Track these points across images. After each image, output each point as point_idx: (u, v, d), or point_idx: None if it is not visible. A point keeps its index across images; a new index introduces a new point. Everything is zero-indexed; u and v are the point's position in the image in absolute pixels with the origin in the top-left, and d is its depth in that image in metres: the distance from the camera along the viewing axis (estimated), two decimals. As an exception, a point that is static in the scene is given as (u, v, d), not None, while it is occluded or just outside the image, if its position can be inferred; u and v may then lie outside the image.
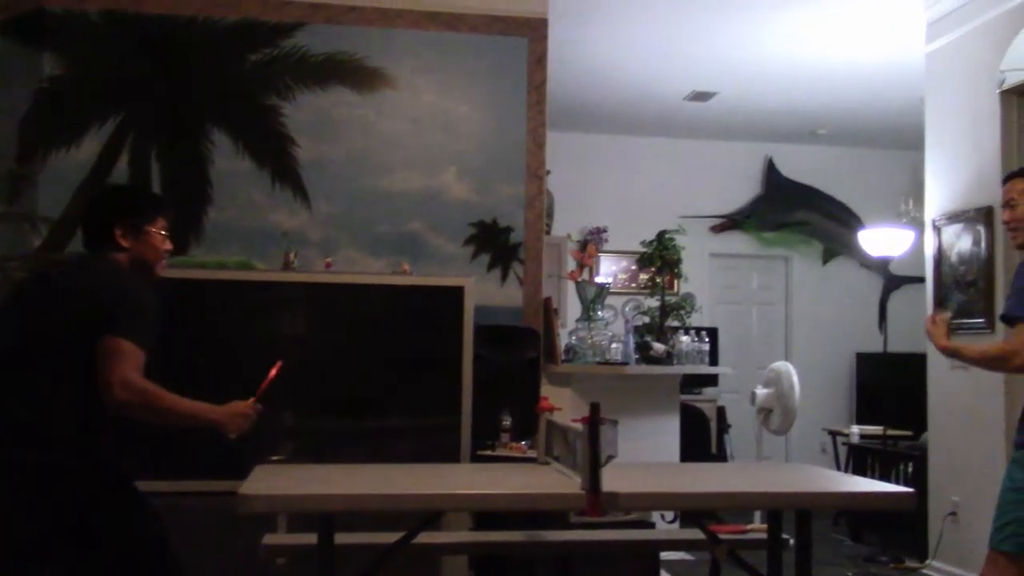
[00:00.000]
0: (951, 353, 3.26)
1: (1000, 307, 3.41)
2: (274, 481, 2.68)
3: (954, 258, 5.13)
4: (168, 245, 2.74)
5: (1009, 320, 3.07)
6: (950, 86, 5.25)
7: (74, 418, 2.48)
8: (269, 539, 3.35)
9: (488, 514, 3.84)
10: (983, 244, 4.91)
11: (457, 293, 4.23)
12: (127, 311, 2.47)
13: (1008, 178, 3.28)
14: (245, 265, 4.57)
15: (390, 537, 2.90)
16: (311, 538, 2.80)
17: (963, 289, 5.00)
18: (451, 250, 4.88)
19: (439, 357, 4.23)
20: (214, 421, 2.62)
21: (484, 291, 4.78)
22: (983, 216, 4.89)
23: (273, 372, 2.80)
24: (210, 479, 3.58)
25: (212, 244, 4.68)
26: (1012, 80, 4.71)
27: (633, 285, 8.14)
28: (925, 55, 5.45)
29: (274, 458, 3.83)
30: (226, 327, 4.16)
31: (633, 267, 8.02)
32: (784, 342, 8.87)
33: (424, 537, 3.00)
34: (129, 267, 2.63)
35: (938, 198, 5.32)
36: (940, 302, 5.21)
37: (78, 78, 4.71)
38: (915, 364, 5.62)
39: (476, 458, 4.19)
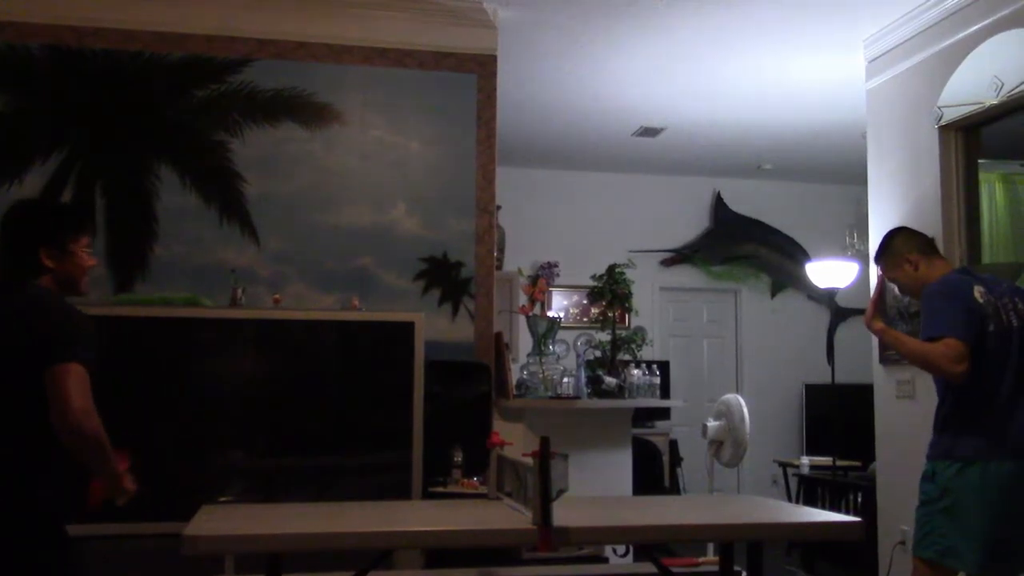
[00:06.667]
0: (880, 334, 3.37)
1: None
2: (220, 521, 2.63)
3: (897, 290, 5.21)
4: (92, 261, 2.64)
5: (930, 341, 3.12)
6: (890, 122, 5.37)
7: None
8: (215, 581, 3.29)
9: (440, 551, 3.80)
10: (925, 276, 4.98)
11: (408, 328, 4.21)
12: (66, 336, 2.36)
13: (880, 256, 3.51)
14: (192, 302, 4.51)
15: (340, 577, 2.86)
16: (259, 579, 2.75)
17: (907, 320, 5.08)
18: (401, 285, 4.86)
19: (390, 393, 4.20)
20: (122, 482, 2.49)
21: (435, 326, 4.76)
22: (925, 248, 4.99)
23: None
24: (155, 521, 3.49)
25: (158, 281, 4.61)
26: (949, 116, 4.83)
27: (584, 319, 8.17)
28: (866, 92, 5.58)
29: (222, 499, 3.76)
30: (173, 365, 4.08)
31: (584, 301, 8.06)
32: (735, 374, 8.95)
33: (374, 576, 2.96)
34: (55, 287, 2.53)
35: (881, 231, 5.40)
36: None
37: (21, 113, 4.65)
38: (863, 395, 5.69)
39: (428, 494, 4.15)
